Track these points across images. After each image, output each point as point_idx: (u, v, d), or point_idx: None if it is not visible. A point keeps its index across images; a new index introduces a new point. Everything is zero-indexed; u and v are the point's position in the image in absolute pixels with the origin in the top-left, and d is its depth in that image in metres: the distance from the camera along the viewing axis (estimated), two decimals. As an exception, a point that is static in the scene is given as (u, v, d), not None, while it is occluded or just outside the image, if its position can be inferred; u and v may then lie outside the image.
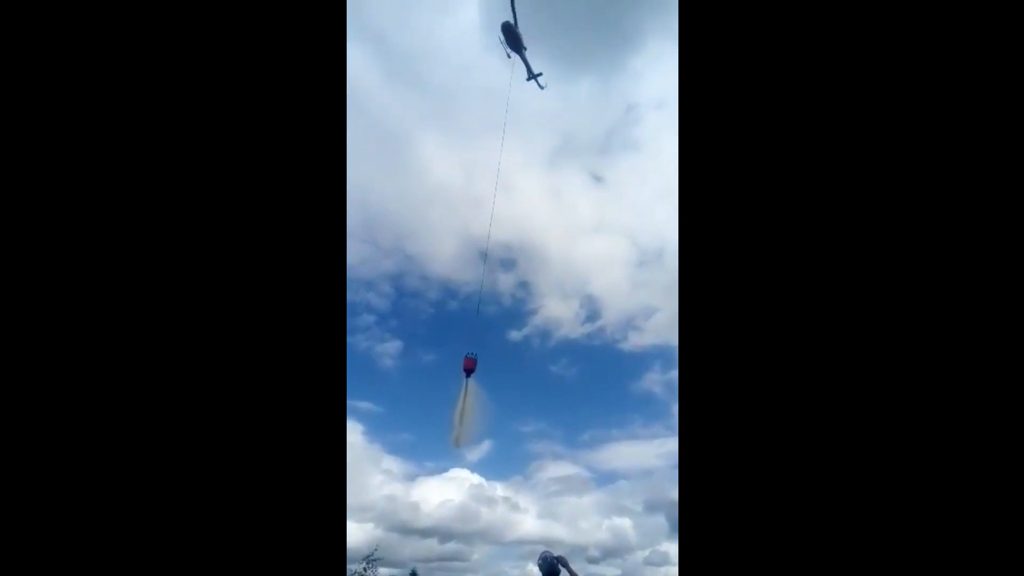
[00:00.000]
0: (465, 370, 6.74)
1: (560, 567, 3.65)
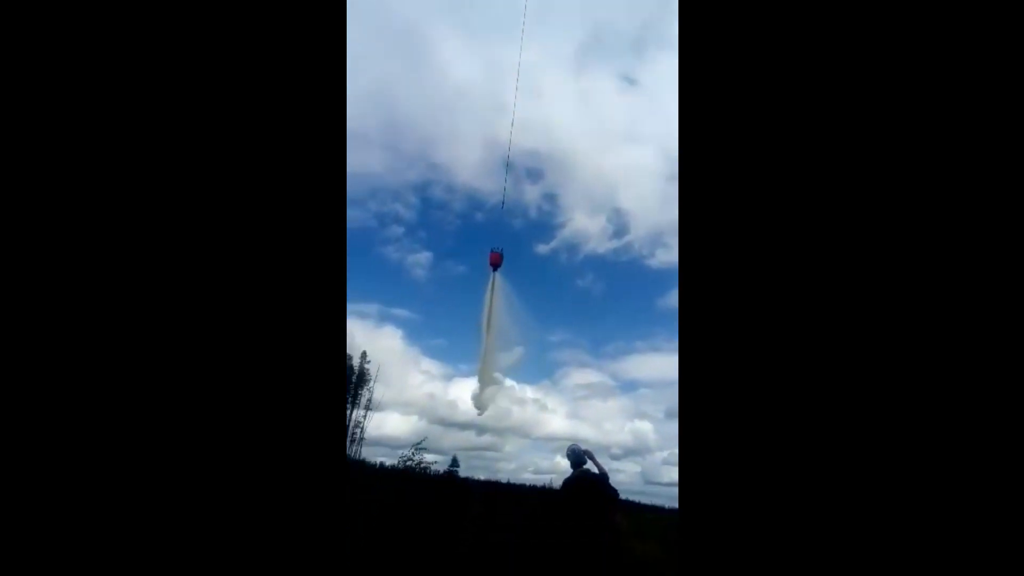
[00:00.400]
0: (492, 264, 6.58)
1: (587, 458, 3.92)
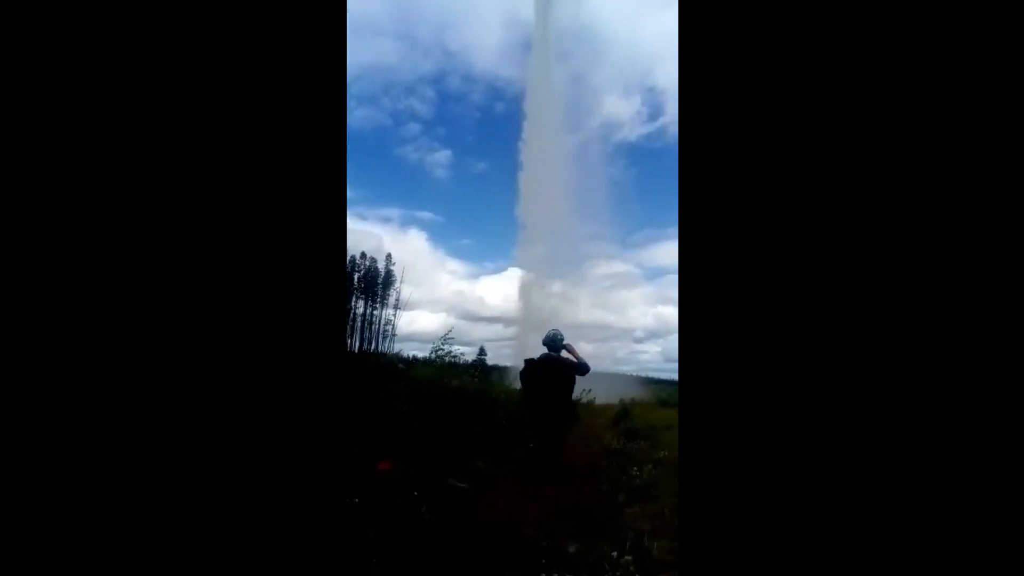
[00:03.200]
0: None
1: (564, 347, 3.82)
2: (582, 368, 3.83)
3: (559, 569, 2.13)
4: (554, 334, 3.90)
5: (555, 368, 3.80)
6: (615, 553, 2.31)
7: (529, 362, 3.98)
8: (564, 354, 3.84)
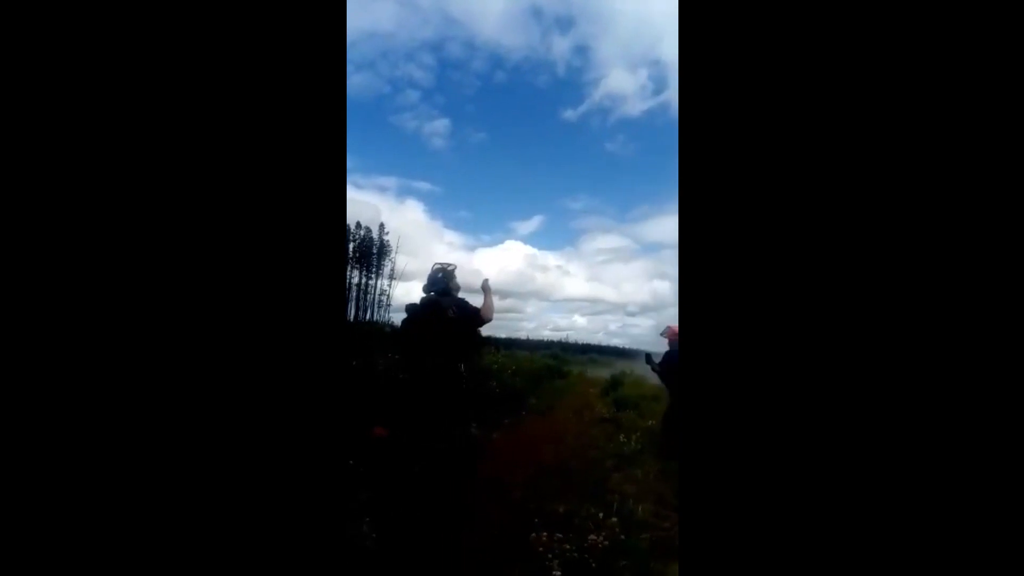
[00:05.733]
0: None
1: (451, 287, 2.74)
2: (480, 317, 2.69)
3: (548, 528, 2.22)
4: (441, 268, 2.76)
5: (444, 318, 2.62)
6: (601, 514, 2.41)
7: (411, 308, 2.78)
8: (466, 299, 2.75)
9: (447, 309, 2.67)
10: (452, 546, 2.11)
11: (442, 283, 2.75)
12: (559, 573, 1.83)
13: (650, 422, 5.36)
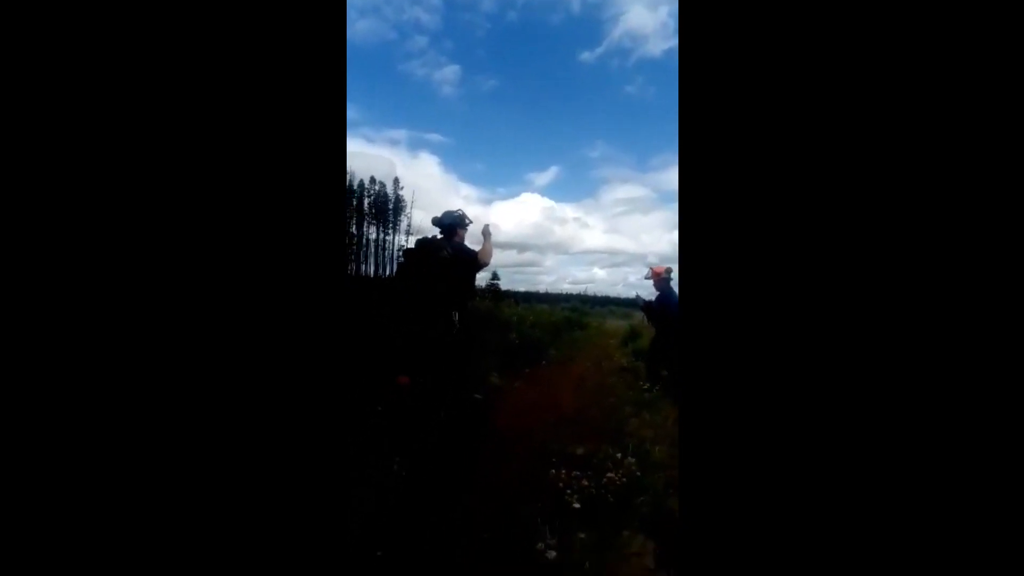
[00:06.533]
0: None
1: (459, 229, 2.80)
2: (477, 259, 2.72)
3: (567, 467, 2.32)
4: (449, 216, 2.81)
5: (439, 259, 2.66)
6: (619, 455, 2.50)
7: (409, 253, 2.81)
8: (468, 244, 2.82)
9: (442, 249, 2.69)
10: (470, 485, 2.24)
11: (453, 218, 2.78)
12: (578, 506, 1.93)
13: (665, 372, 5.42)
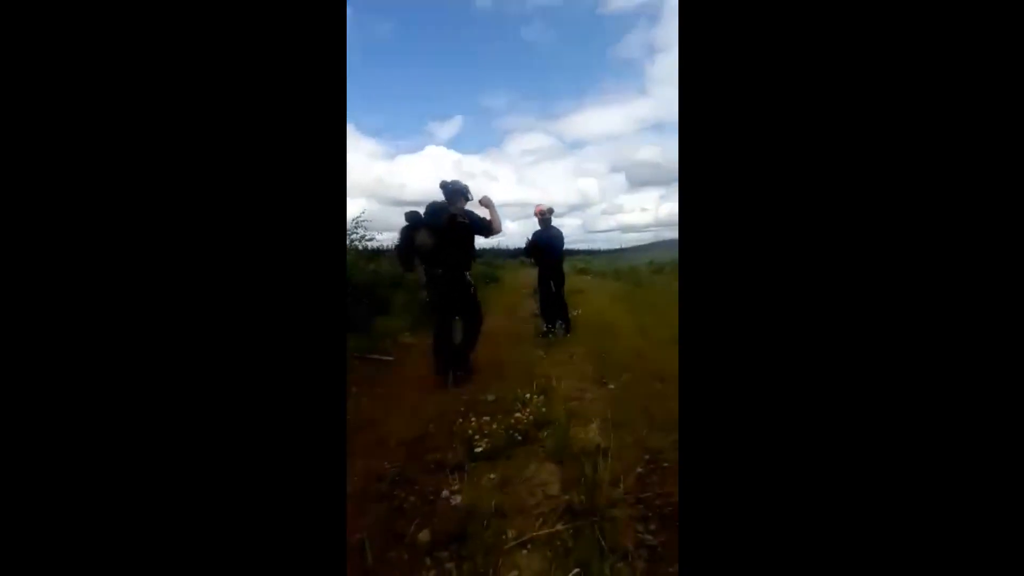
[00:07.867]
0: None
1: (462, 198, 3.15)
2: (491, 227, 3.12)
3: (477, 415, 2.36)
4: (451, 186, 3.11)
5: (455, 224, 3.02)
6: (528, 394, 2.60)
7: (412, 216, 3.23)
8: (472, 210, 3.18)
9: (457, 216, 2.98)
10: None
11: (457, 188, 3.06)
12: (480, 448, 1.98)
13: (576, 312, 5.70)
